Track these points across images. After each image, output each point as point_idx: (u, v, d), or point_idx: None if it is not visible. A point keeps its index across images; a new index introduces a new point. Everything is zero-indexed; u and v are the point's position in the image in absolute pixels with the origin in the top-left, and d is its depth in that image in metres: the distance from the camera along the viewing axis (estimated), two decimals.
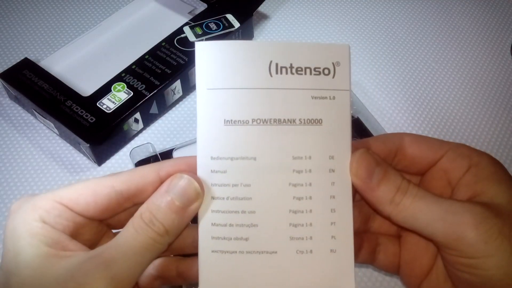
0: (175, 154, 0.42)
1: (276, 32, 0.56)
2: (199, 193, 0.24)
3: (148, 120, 0.46)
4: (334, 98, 0.24)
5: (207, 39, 0.48)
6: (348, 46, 0.25)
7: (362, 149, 0.25)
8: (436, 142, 0.27)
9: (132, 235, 0.23)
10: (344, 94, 0.24)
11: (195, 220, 0.25)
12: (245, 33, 0.52)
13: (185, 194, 0.23)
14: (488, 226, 0.22)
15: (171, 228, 0.23)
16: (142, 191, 0.24)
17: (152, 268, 0.27)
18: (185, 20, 0.51)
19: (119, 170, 0.44)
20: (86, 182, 0.25)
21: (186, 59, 0.47)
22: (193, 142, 0.43)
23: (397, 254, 0.28)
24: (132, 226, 0.23)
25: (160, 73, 0.46)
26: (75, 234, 0.24)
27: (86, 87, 0.46)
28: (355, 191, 0.25)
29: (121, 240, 0.23)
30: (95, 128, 0.42)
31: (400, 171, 0.27)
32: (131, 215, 0.24)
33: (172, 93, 0.47)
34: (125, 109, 0.43)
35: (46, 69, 0.46)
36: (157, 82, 0.45)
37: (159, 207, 0.23)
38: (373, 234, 0.29)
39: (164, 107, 0.47)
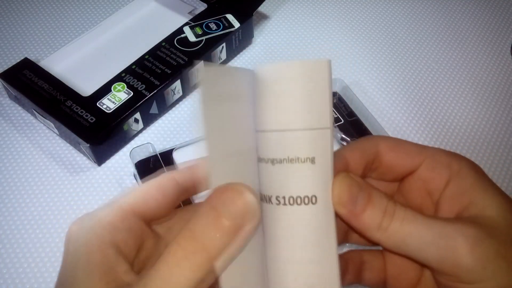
0: (175, 154, 0.42)
1: (276, 32, 0.56)
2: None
3: (148, 120, 0.46)
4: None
5: (207, 39, 0.48)
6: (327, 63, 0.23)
7: (343, 173, 0.23)
8: (413, 148, 0.25)
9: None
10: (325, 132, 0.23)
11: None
12: (245, 33, 0.52)
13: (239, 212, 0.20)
14: (483, 249, 0.21)
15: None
16: (199, 182, 0.24)
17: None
18: (185, 20, 0.51)
19: (119, 170, 0.44)
20: (144, 183, 0.24)
21: (186, 59, 0.47)
22: (193, 142, 0.43)
23: (382, 269, 0.27)
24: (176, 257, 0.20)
25: (160, 73, 0.46)
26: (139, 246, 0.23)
27: (86, 87, 0.46)
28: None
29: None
30: (95, 128, 0.42)
31: (377, 179, 0.26)
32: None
33: (172, 93, 0.47)
34: (125, 109, 0.43)
35: (46, 69, 0.46)
36: (157, 82, 0.45)
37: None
38: (356, 253, 0.28)
39: (164, 107, 0.47)
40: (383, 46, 0.55)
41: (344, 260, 0.27)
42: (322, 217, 0.23)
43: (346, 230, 0.27)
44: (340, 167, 0.24)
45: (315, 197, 0.22)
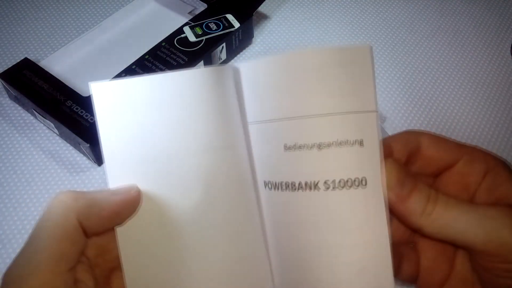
0: None
1: (276, 32, 0.56)
2: None
3: None
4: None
5: (207, 39, 0.48)
6: (370, 48, 0.23)
7: (390, 159, 0.24)
8: (453, 144, 0.26)
9: None
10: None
11: None
12: (245, 33, 0.52)
13: None
14: None
15: None
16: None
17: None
18: (185, 20, 0.51)
19: None
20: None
21: (186, 59, 0.47)
22: None
23: (417, 263, 0.28)
24: None
25: None
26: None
27: (86, 87, 0.46)
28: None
29: None
30: (95, 128, 0.42)
31: (415, 172, 0.27)
32: None
33: None
34: None
35: (46, 69, 0.46)
36: None
37: None
38: (394, 246, 0.28)
39: None
40: (383, 46, 0.55)
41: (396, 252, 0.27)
42: (373, 199, 0.23)
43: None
44: (386, 153, 0.25)
45: (365, 179, 0.23)
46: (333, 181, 0.23)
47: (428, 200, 0.23)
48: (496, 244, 0.22)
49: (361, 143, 0.23)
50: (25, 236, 0.39)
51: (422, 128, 0.47)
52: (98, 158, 0.43)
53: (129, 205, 0.24)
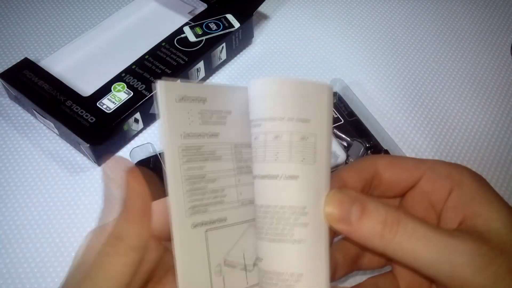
0: None
1: (276, 32, 0.56)
2: None
3: (148, 120, 0.46)
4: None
5: (207, 39, 0.48)
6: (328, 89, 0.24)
7: (334, 189, 0.23)
8: (412, 162, 0.26)
9: None
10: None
11: None
12: (245, 33, 0.52)
13: None
14: (496, 267, 0.21)
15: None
16: None
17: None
18: (185, 20, 0.51)
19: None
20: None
21: (186, 59, 0.47)
22: None
23: None
24: None
25: (160, 73, 0.46)
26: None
27: (86, 87, 0.46)
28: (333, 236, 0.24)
29: None
30: (95, 128, 0.42)
31: (378, 197, 0.26)
32: None
33: None
34: (125, 109, 0.43)
35: (46, 69, 0.46)
36: None
37: None
38: (371, 283, 0.28)
39: None
40: (383, 46, 0.55)
41: None
42: (314, 230, 0.23)
43: (355, 255, 0.27)
44: (337, 186, 0.24)
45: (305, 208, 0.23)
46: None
47: (384, 224, 0.22)
48: (460, 282, 0.22)
49: (296, 177, 0.23)
50: (25, 236, 0.39)
51: (422, 128, 0.47)
52: (98, 158, 0.43)
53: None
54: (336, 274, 0.26)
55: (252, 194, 0.25)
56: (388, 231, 0.22)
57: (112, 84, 0.45)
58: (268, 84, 0.24)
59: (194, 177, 0.24)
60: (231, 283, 0.25)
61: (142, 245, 0.22)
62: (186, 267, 0.23)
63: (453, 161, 0.45)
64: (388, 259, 0.26)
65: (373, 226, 0.22)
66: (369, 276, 0.28)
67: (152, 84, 0.45)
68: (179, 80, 0.25)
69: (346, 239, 0.24)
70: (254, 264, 0.26)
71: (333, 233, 0.24)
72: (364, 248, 0.25)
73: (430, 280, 0.25)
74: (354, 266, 0.28)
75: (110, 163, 0.25)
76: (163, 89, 0.22)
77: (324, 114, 0.24)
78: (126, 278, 0.22)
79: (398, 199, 0.27)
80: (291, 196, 0.23)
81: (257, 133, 0.24)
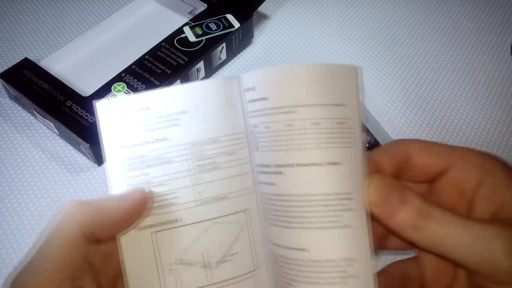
0: None
1: (276, 32, 0.56)
2: None
3: None
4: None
5: (207, 39, 0.48)
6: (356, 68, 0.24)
7: (376, 175, 0.24)
8: (445, 149, 0.26)
9: None
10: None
11: None
12: (245, 33, 0.52)
13: None
14: None
15: None
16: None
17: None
18: (185, 20, 0.51)
19: None
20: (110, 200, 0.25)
21: (186, 59, 0.47)
22: None
23: (420, 277, 0.27)
24: None
25: (160, 73, 0.46)
26: None
27: (86, 87, 0.46)
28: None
29: None
30: (95, 128, 0.42)
31: (408, 181, 0.26)
32: None
33: None
34: None
35: (46, 69, 0.46)
36: (157, 82, 0.45)
37: None
38: (395, 267, 0.28)
39: None
40: (383, 46, 0.55)
41: (388, 276, 0.27)
42: (357, 218, 0.24)
43: (382, 235, 0.27)
44: (372, 169, 0.24)
45: (350, 197, 0.23)
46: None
47: (419, 215, 0.23)
48: (487, 266, 0.22)
49: (338, 163, 0.23)
50: (25, 236, 0.39)
51: (422, 128, 0.47)
52: (98, 158, 0.43)
53: (135, 210, 0.24)
54: None
55: (220, 190, 0.25)
56: (422, 222, 0.23)
57: (112, 84, 0.45)
58: (298, 69, 0.24)
59: (137, 184, 0.25)
60: (187, 281, 0.25)
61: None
62: (133, 268, 0.24)
63: None
64: (417, 247, 0.26)
65: (408, 216, 0.23)
66: (393, 257, 0.28)
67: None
68: (123, 96, 0.27)
69: (376, 220, 0.24)
70: (221, 261, 0.26)
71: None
72: (398, 236, 0.25)
73: (457, 265, 0.25)
74: (380, 246, 0.28)
75: None
76: (98, 109, 0.25)
77: (355, 97, 0.24)
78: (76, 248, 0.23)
79: (426, 185, 0.27)
80: (336, 183, 0.23)
81: (290, 120, 0.24)
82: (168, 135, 0.25)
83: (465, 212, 0.25)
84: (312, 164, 0.23)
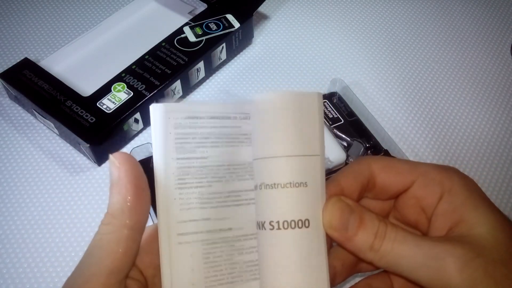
0: None
1: (276, 32, 0.56)
2: None
3: (148, 120, 0.46)
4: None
5: (207, 39, 0.48)
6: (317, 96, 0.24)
7: (334, 197, 0.24)
8: (405, 166, 0.26)
9: None
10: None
11: None
12: (245, 33, 0.52)
13: None
14: (472, 269, 0.22)
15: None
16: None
17: None
18: (185, 20, 0.51)
19: None
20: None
21: (186, 59, 0.47)
22: None
23: None
24: None
25: (160, 73, 0.46)
26: None
27: (86, 87, 0.46)
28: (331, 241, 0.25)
29: None
30: (95, 128, 0.42)
31: (373, 199, 0.27)
32: None
33: (172, 93, 0.47)
34: (125, 109, 0.43)
35: (46, 69, 0.46)
36: (157, 82, 0.45)
37: None
38: (364, 283, 0.28)
39: None
40: (383, 46, 0.55)
41: None
42: (314, 240, 0.23)
43: (354, 262, 0.27)
44: (335, 191, 0.25)
45: (308, 220, 0.23)
46: (277, 222, 0.23)
47: (376, 236, 0.23)
48: (440, 283, 0.22)
49: (305, 185, 0.23)
50: (25, 236, 0.40)
51: (422, 128, 0.47)
52: (98, 158, 0.43)
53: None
54: (335, 281, 0.26)
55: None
56: (377, 242, 0.23)
57: (112, 84, 0.45)
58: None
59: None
60: None
61: (137, 222, 0.22)
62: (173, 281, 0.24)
63: (452, 161, 0.45)
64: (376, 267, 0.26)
65: (367, 238, 0.23)
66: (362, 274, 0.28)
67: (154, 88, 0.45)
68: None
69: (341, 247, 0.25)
70: None
71: (330, 240, 0.25)
72: (356, 257, 0.25)
73: (414, 283, 0.25)
74: (353, 271, 0.28)
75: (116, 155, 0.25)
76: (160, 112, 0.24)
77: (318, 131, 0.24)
78: (118, 256, 0.22)
79: (392, 201, 0.27)
80: (294, 207, 0.23)
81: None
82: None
83: (425, 229, 0.26)
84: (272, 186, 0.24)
